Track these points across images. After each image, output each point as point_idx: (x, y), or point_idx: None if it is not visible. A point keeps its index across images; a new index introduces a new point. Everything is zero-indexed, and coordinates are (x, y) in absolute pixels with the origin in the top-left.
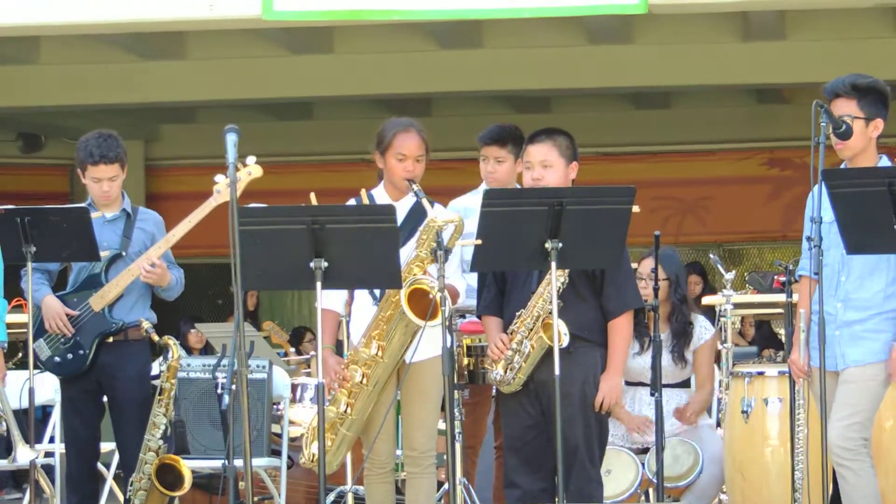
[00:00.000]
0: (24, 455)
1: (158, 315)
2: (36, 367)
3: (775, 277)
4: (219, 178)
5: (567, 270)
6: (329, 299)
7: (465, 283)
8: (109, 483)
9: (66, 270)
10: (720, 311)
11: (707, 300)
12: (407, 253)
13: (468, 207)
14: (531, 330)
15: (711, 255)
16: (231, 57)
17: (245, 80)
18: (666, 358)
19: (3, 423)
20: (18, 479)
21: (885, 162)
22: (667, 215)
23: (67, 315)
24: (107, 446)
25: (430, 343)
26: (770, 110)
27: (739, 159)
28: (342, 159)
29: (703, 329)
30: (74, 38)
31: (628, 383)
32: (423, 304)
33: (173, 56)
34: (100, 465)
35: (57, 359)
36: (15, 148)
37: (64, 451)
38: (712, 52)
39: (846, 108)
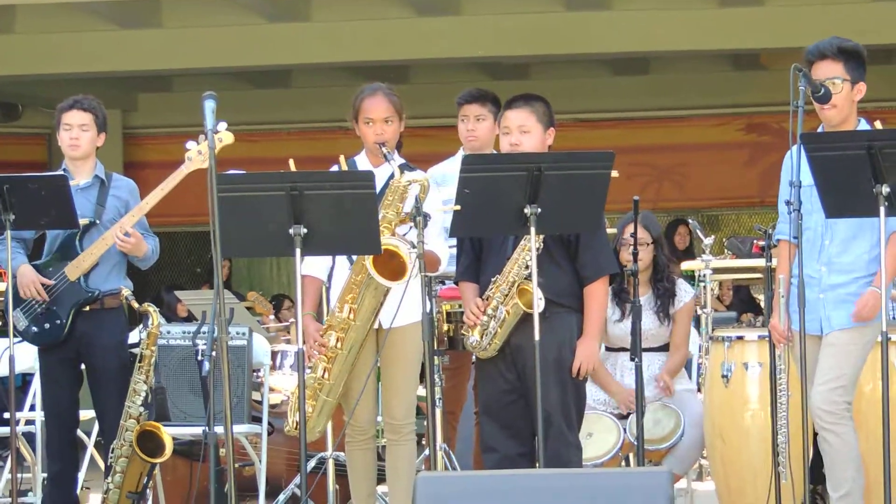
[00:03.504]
0: None
1: (136, 283)
2: (14, 336)
3: (754, 242)
4: (190, 144)
5: (542, 236)
6: (311, 266)
7: (447, 249)
8: (90, 451)
9: (42, 240)
10: (699, 276)
11: (686, 265)
12: None
13: (446, 174)
14: (506, 295)
15: (690, 221)
16: (208, 25)
17: (222, 48)
18: (651, 319)
19: None
20: None
21: (863, 125)
22: (645, 181)
23: (43, 284)
24: (87, 414)
25: (409, 309)
26: (747, 76)
27: (717, 125)
28: (320, 127)
29: (683, 292)
30: (51, 7)
31: (609, 349)
32: (391, 266)
33: (150, 25)
34: (80, 433)
35: (34, 328)
36: None
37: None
38: (690, 17)
39: (832, 70)
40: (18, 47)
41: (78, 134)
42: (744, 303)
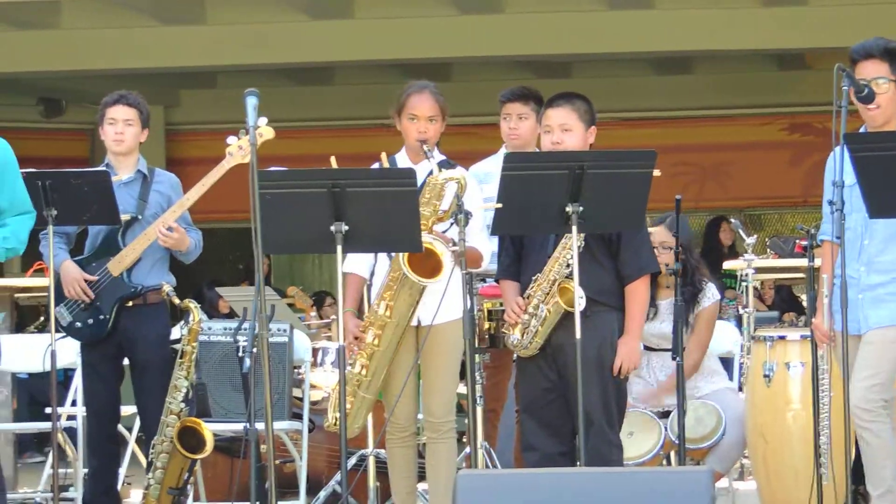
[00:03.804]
0: None
1: (178, 279)
2: (57, 331)
3: (797, 242)
4: (230, 139)
5: (583, 234)
6: (352, 263)
7: (490, 246)
8: (132, 446)
9: (84, 234)
10: (741, 275)
11: (728, 265)
12: None
13: (489, 172)
14: (547, 294)
15: (733, 220)
16: (251, 22)
17: (265, 44)
18: (670, 324)
19: None
20: (42, 442)
21: None
22: (687, 181)
23: (86, 280)
24: (129, 409)
25: (450, 306)
26: (791, 75)
27: (760, 124)
28: (362, 124)
29: (706, 297)
30: (95, 3)
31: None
32: (427, 264)
33: (194, 21)
34: (122, 429)
35: (78, 324)
36: (36, 113)
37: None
38: (733, 17)
39: (878, 70)
40: (62, 43)
41: (122, 129)
42: (785, 302)
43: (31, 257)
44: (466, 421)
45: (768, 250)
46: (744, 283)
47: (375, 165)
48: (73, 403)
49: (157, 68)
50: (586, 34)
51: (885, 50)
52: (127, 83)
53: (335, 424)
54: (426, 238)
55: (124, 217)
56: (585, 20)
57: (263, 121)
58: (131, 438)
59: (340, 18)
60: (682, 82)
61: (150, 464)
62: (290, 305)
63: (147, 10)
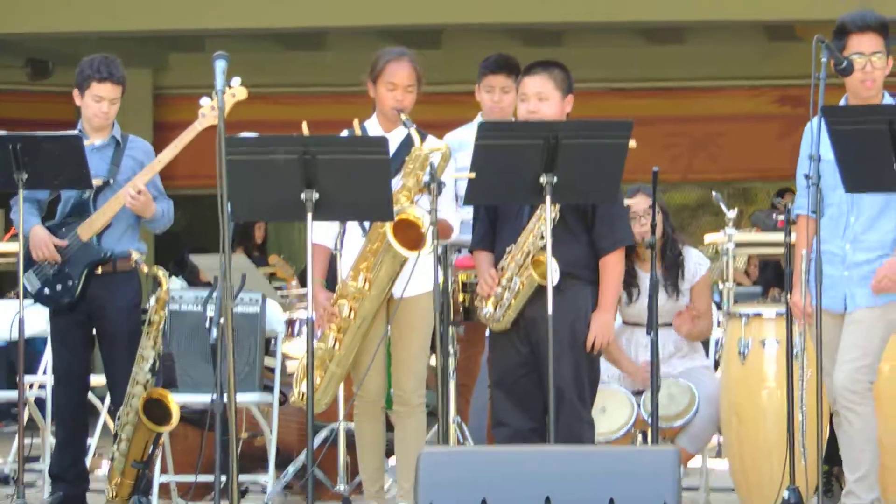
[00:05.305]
0: None
1: (163, 247)
2: (27, 298)
3: (779, 217)
4: (204, 101)
5: (558, 206)
6: (319, 234)
7: (459, 217)
8: (103, 417)
9: (56, 202)
10: (722, 250)
11: (709, 238)
12: (397, 184)
13: (462, 140)
14: (521, 266)
15: (714, 193)
16: None
17: (255, 8)
18: (661, 296)
19: None
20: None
21: (888, 100)
22: (677, 152)
23: (56, 245)
24: (101, 380)
25: (421, 278)
26: (782, 48)
27: (751, 97)
28: (354, 91)
29: (697, 265)
30: None
31: (626, 323)
32: (409, 235)
33: None
34: (94, 399)
35: (46, 290)
36: (23, 74)
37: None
38: None
39: (875, 43)
40: (51, 5)
41: (108, 108)
42: (770, 280)
43: (9, 223)
44: (437, 395)
45: (751, 224)
46: (724, 258)
47: (345, 132)
48: (45, 372)
49: (146, 31)
50: (578, 2)
51: (881, 24)
52: (116, 45)
53: (302, 399)
54: (412, 210)
55: (96, 182)
56: None
57: (237, 81)
58: (103, 409)
59: None
60: (673, 53)
61: (115, 435)
62: (272, 275)
63: None
